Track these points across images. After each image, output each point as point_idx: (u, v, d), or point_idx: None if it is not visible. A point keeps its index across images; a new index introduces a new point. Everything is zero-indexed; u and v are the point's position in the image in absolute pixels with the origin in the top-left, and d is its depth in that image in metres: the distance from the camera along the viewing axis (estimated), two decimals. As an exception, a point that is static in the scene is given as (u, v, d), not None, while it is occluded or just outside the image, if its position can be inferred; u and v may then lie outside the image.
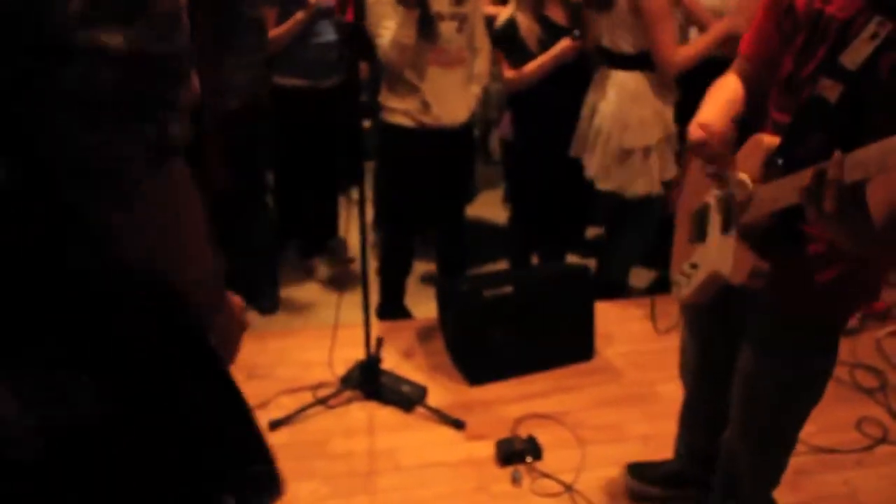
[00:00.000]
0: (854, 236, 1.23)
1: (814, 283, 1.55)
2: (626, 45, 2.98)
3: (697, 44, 2.98)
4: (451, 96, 3.00)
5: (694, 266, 1.71)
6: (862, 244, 1.26)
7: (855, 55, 1.31)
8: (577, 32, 3.01)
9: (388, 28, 2.82)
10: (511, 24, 3.07)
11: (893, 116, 1.28)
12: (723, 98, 1.65)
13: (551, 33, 3.06)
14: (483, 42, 3.09)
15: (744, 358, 1.75)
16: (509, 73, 3.11)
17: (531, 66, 3.05)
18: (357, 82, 3.54)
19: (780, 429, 1.80)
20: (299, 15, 3.29)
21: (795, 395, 1.73)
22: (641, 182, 3.10)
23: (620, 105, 3.02)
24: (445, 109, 2.99)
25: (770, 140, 1.44)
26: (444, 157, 3.09)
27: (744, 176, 1.46)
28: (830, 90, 1.32)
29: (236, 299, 1.13)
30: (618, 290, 3.50)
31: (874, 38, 1.29)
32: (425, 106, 2.97)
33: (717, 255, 1.58)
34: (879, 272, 1.65)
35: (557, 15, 3.08)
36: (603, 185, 3.15)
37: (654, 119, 3.03)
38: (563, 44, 3.01)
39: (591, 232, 4.16)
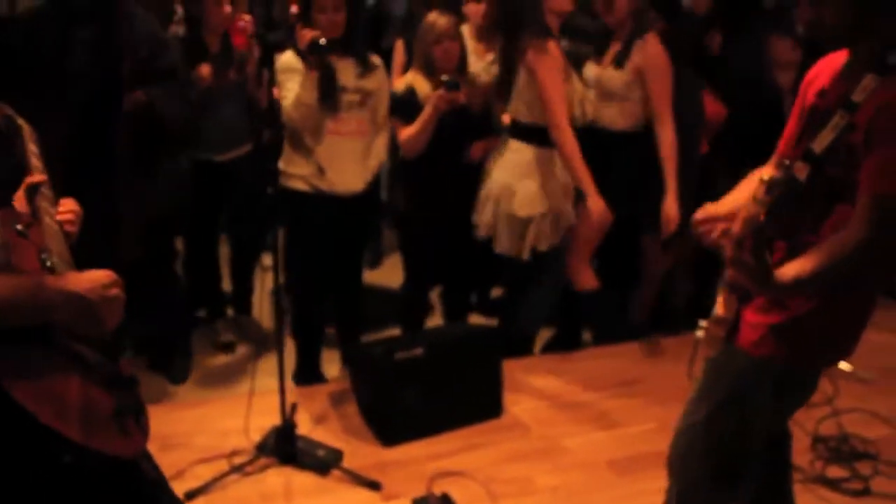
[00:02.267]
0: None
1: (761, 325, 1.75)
2: (523, 116, 3.19)
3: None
4: (346, 165, 3.12)
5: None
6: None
7: (822, 141, 1.55)
8: (449, 82, 3.10)
9: (292, 90, 2.97)
10: (411, 91, 3.23)
11: (850, 194, 1.56)
12: (749, 191, 1.82)
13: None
14: (385, 120, 3.24)
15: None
16: (403, 135, 3.24)
17: (415, 124, 3.17)
18: (264, 151, 3.63)
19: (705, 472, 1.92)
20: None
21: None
22: (529, 246, 3.26)
23: (512, 173, 3.21)
24: (340, 177, 3.11)
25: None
26: (338, 224, 3.19)
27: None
28: (800, 170, 1.54)
29: (91, 277, 1.31)
30: (524, 347, 3.64)
31: (835, 127, 1.54)
32: (320, 171, 3.10)
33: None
34: (842, 329, 1.78)
35: None
36: (497, 248, 3.31)
37: (539, 192, 3.21)
38: (436, 94, 3.11)
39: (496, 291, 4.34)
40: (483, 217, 3.32)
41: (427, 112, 3.14)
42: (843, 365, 3.41)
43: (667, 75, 3.28)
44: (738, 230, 1.43)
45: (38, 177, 1.57)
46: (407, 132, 3.21)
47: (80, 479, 1.29)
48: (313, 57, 2.92)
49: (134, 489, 1.44)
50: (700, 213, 1.87)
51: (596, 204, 3.10)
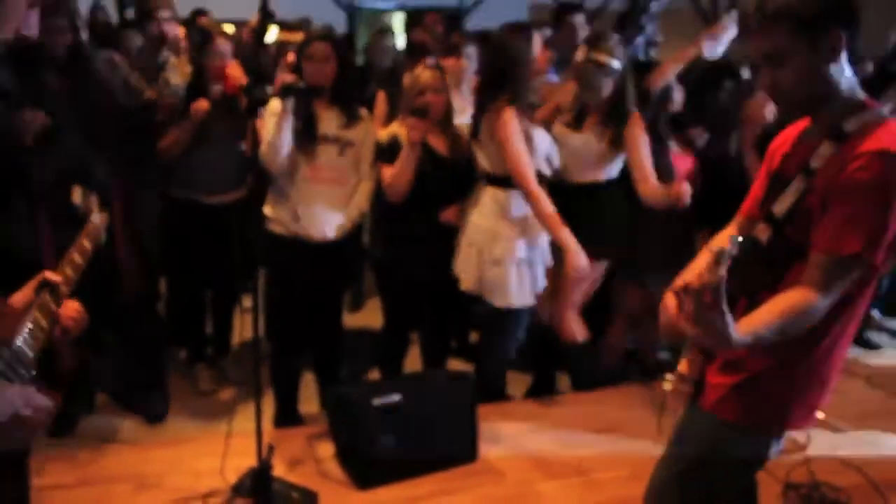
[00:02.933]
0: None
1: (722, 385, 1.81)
2: (488, 166, 3.29)
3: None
4: (320, 212, 3.19)
5: None
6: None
7: (782, 204, 1.63)
8: (417, 110, 3.12)
9: (269, 131, 3.05)
10: (395, 140, 3.28)
11: (807, 254, 1.62)
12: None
13: (429, 157, 3.28)
14: (368, 170, 3.30)
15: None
16: (386, 176, 3.26)
17: (396, 163, 3.19)
18: (249, 195, 3.71)
19: None
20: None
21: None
22: (509, 293, 3.30)
23: (490, 217, 3.27)
24: (313, 223, 3.18)
25: None
26: (315, 269, 3.25)
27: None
28: (762, 232, 1.62)
29: (23, 392, 1.31)
30: (496, 394, 3.66)
31: (795, 192, 1.62)
32: (294, 216, 3.17)
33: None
34: (810, 391, 1.80)
35: (438, 143, 3.33)
36: (476, 292, 3.34)
37: (519, 235, 3.27)
38: (407, 123, 3.15)
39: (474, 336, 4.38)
40: (465, 264, 3.35)
41: (405, 148, 3.16)
42: (818, 413, 3.47)
43: (644, 143, 3.40)
44: (696, 287, 1.49)
45: (57, 276, 1.59)
46: (389, 172, 3.24)
47: None
48: (286, 100, 3.00)
49: None
50: (668, 298, 1.82)
51: (574, 257, 3.14)
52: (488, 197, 3.30)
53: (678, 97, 3.74)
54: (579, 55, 3.40)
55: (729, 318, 1.50)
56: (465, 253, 3.35)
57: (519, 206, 3.28)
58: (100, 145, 3.12)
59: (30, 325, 1.49)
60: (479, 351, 3.81)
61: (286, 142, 3.05)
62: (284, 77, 3.03)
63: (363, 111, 3.33)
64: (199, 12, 5.40)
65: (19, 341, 1.45)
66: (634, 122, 3.38)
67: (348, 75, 3.25)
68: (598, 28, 4.51)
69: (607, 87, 3.37)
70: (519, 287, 3.32)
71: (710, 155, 3.77)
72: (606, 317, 3.89)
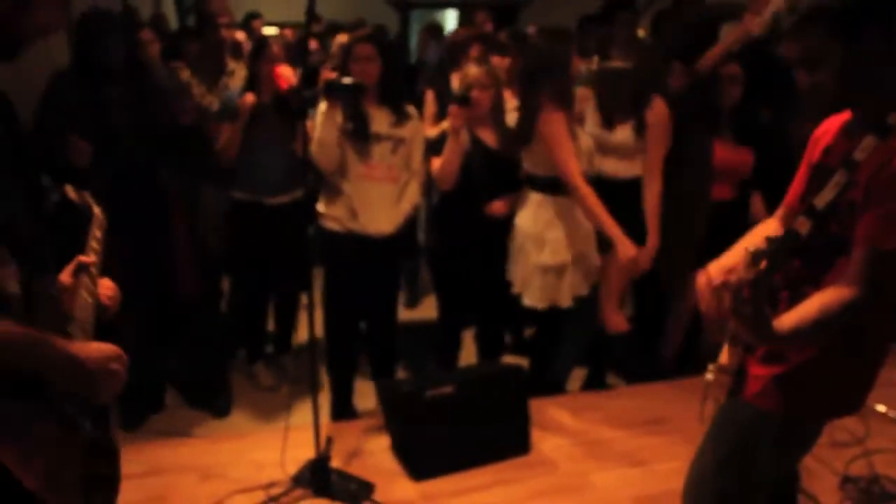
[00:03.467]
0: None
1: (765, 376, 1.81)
2: (539, 171, 3.31)
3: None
4: (377, 209, 3.26)
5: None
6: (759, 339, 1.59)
7: (824, 198, 1.61)
8: (458, 97, 3.20)
9: (318, 130, 3.14)
10: (444, 135, 3.34)
11: (850, 248, 1.62)
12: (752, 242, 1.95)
13: (478, 150, 3.37)
14: (419, 166, 3.37)
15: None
16: (434, 166, 3.36)
17: (444, 152, 3.29)
18: (306, 195, 3.81)
19: None
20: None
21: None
22: (560, 296, 3.35)
23: (537, 224, 3.32)
24: (371, 220, 3.25)
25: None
26: (370, 264, 3.33)
27: None
28: (802, 226, 1.61)
29: (98, 348, 1.39)
30: (556, 389, 3.70)
31: (837, 185, 1.61)
32: (352, 213, 3.24)
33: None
34: (853, 384, 1.81)
35: (487, 136, 3.41)
36: (527, 300, 3.39)
37: (566, 241, 3.31)
38: (450, 111, 3.22)
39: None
40: (516, 271, 3.42)
41: (450, 135, 3.25)
42: (879, 406, 3.41)
43: (666, 134, 3.47)
44: (735, 282, 1.49)
45: (89, 258, 1.70)
46: (437, 162, 3.33)
47: None
48: (331, 97, 3.08)
49: None
50: (701, 279, 1.86)
51: (625, 249, 3.19)
52: (534, 203, 3.34)
53: (734, 90, 3.70)
54: (592, 64, 3.45)
55: (768, 312, 1.51)
56: (517, 260, 3.41)
57: (564, 210, 3.31)
58: (160, 151, 3.26)
59: (81, 302, 1.60)
60: (537, 352, 3.82)
61: (332, 139, 3.13)
62: (328, 75, 3.10)
63: (411, 109, 3.38)
64: (252, 16, 5.54)
65: (77, 314, 1.56)
66: (655, 109, 3.42)
67: (394, 75, 3.30)
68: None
69: (625, 88, 3.42)
70: (574, 288, 3.36)
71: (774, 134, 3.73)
72: (664, 312, 3.88)
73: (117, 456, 1.48)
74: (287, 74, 3.50)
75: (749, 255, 1.46)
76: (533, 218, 3.33)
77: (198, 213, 3.58)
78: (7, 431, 1.25)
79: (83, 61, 3.17)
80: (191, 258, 3.41)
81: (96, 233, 1.83)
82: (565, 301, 3.36)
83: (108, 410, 1.46)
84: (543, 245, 3.31)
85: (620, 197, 3.40)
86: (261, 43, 3.73)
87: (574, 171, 3.18)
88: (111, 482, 1.46)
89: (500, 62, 3.72)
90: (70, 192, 1.92)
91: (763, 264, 1.47)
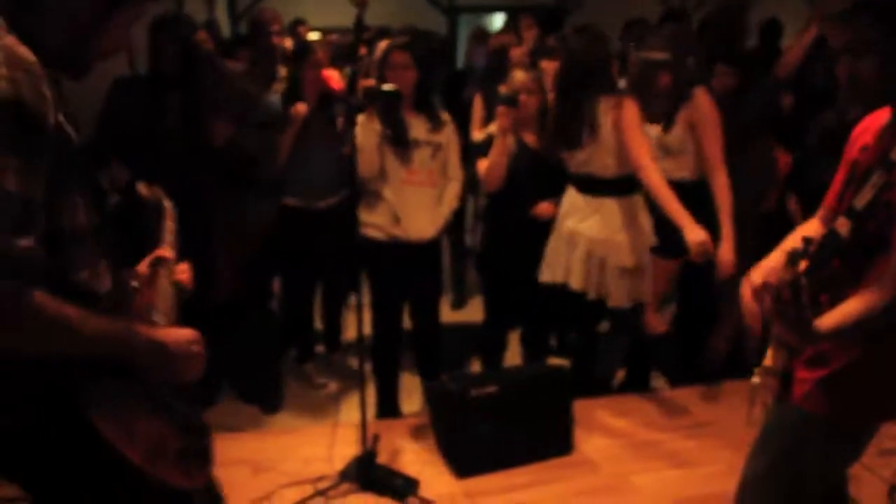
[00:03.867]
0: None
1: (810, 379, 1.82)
2: (608, 171, 3.30)
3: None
4: (419, 213, 3.33)
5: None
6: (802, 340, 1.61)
7: (862, 198, 1.62)
8: (505, 98, 3.22)
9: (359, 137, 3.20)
10: (490, 138, 3.41)
11: (888, 247, 1.62)
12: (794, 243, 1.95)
13: (524, 153, 3.42)
14: (456, 171, 3.43)
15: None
16: (481, 167, 3.42)
17: (490, 153, 3.34)
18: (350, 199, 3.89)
19: None
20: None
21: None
22: (627, 295, 3.35)
23: (607, 228, 3.30)
24: (413, 225, 3.32)
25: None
26: (412, 269, 3.40)
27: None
28: (842, 226, 1.61)
29: (178, 333, 1.50)
30: (603, 388, 3.73)
31: (874, 186, 1.61)
32: (395, 219, 3.32)
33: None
34: (890, 384, 1.78)
35: (530, 139, 3.47)
36: (612, 302, 3.36)
37: (633, 243, 3.31)
38: (498, 112, 3.26)
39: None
40: (586, 277, 3.36)
41: (496, 137, 3.30)
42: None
43: (716, 125, 3.37)
44: (775, 283, 1.51)
45: (166, 252, 1.81)
46: (484, 163, 3.39)
47: (131, 499, 1.45)
48: (369, 104, 3.15)
49: None
50: (745, 286, 1.87)
51: (695, 234, 3.05)
52: (601, 208, 3.33)
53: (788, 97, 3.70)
54: (631, 58, 3.45)
55: (809, 313, 1.52)
56: (587, 265, 3.36)
57: (629, 211, 3.34)
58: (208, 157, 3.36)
59: (162, 292, 1.70)
60: (582, 349, 3.83)
61: (371, 145, 3.21)
62: (366, 82, 3.18)
63: (445, 115, 3.44)
64: (298, 22, 5.66)
65: (159, 303, 1.67)
66: (700, 98, 3.39)
67: (430, 82, 3.37)
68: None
69: (664, 79, 3.39)
70: (627, 292, 3.37)
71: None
72: (712, 317, 3.88)
73: (209, 431, 1.59)
74: (336, 76, 3.57)
75: (787, 256, 1.48)
76: (602, 223, 3.30)
77: (236, 218, 3.62)
78: (112, 411, 1.36)
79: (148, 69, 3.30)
80: (227, 261, 3.46)
81: (169, 224, 1.94)
82: (632, 300, 3.36)
83: (193, 390, 1.56)
84: (620, 248, 3.30)
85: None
86: (305, 47, 3.79)
87: (644, 153, 3.17)
88: (206, 455, 1.56)
89: (549, 66, 3.76)
90: (142, 188, 2.03)
91: (802, 265, 1.48)
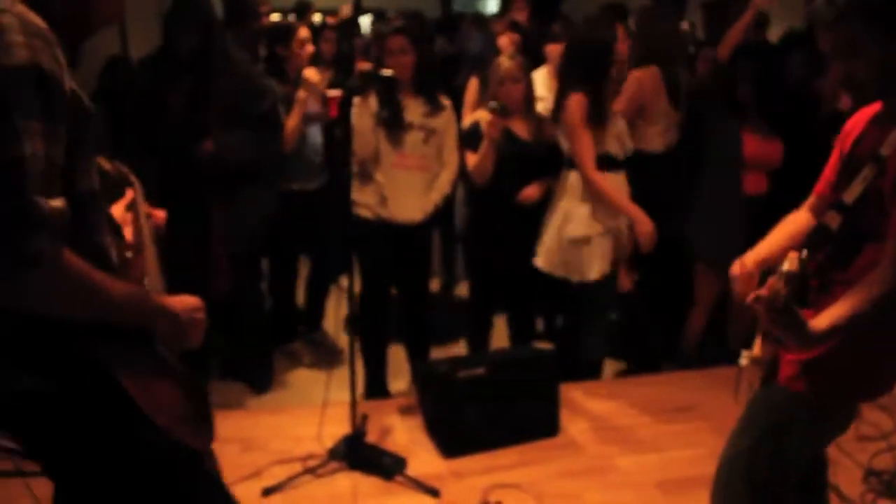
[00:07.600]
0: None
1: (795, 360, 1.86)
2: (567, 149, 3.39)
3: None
4: (408, 197, 3.36)
5: None
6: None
7: (853, 192, 1.67)
8: (496, 108, 3.24)
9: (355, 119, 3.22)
10: (476, 125, 3.45)
11: (878, 234, 1.66)
12: (785, 232, 1.99)
13: (509, 141, 3.43)
14: (451, 157, 3.46)
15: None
16: (470, 163, 3.45)
17: (478, 153, 3.37)
18: (342, 179, 3.90)
19: None
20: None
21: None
22: (586, 269, 3.41)
23: (569, 199, 3.39)
24: (400, 207, 3.36)
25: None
26: (398, 251, 3.44)
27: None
28: (832, 220, 1.67)
29: (184, 300, 1.55)
30: (593, 373, 3.77)
31: (864, 180, 1.66)
32: (382, 200, 3.35)
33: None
34: (874, 364, 1.84)
35: (519, 128, 3.48)
36: (553, 272, 3.46)
37: (594, 215, 3.36)
38: (487, 122, 3.29)
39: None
40: (544, 245, 3.48)
41: (484, 141, 3.34)
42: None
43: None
44: (767, 296, 1.53)
45: (134, 192, 1.83)
46: (472, 160, 3.43)
47: (158, 458, 1.51)
48: (367, 87, 3.17)
49: (198, 475, 1.66)
50: (735, 267, 1.94)
51: (643, 225, 3.30)
52: (569, 180, 3.41)
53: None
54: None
55: (803, 319, 1.57)
56: (547, 234, 3.47)
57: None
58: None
59: (149, 261, 1.73)
60: (566, 331, 3.91)
61: (367, 127, 3.23)
62: (362, 66, 3.19)
63: (445, 100, 3.46)
64: (305, 6, 5.64)
65: (150, 274, 1.70)
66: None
67: (429, 65, 3.38)
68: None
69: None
70: (602, 262, 3.42)
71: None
72: (687, 302, 3.93)
73: (208, 396, 1.64)
74: (335, 102, 3.52)
75: (781, 274, 1.51)
76: (566, 195, 3.40)
77: (235, 211, 3.60)
78: (136, 372, 1.42)
79: (161, 49, 3.29)
80: (226, 254, 3.46)
81: (134, 196, 1.95)
82: (595, 274, 3.42)
83: (191, 356, 1.62)
84: (571, 219, 3.37)
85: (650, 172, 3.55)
86: (286, 28, 3.82)
87: (585, 158, 3.28)
88: (209, 418, 1.61)
89: (555, 50, 3.79)
90: (104, 162, 2.02)
91: (791, 286, 1.52)
